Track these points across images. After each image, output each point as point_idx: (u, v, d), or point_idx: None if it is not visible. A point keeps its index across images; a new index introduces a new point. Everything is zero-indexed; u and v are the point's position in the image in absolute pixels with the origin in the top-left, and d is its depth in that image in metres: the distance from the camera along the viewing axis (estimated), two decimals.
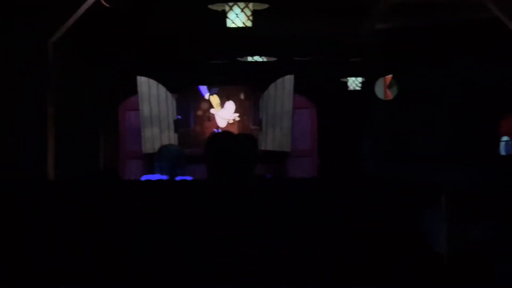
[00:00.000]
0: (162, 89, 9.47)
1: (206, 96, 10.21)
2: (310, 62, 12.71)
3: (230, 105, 10.21)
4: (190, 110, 10.19)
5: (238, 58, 12.09)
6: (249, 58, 11.95)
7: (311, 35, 11.96)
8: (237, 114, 10.16)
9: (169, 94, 9.66)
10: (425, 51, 12.49)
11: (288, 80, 9.63)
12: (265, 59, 11.97)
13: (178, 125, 9.80)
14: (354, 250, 3.01)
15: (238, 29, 9.18)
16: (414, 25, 12.39)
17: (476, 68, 12.14)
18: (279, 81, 9.69)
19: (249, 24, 8.97)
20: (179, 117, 10.02)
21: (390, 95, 12.21)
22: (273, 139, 9.66)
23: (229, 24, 8.84)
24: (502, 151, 8.47)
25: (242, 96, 10.37)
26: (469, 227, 7.91)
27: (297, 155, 9.74)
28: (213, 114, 10.21)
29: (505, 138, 8.49)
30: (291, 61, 12.40)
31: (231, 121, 10.11)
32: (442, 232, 7.91)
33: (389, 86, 12.19)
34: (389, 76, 12.14)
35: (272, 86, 9.78)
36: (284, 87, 9.80)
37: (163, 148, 6.87)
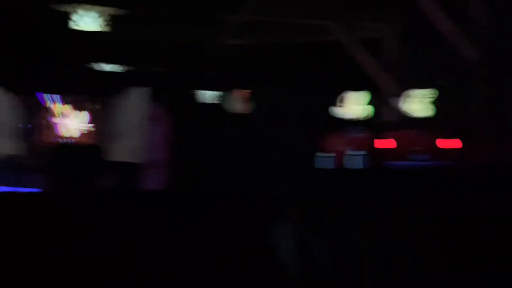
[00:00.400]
0: (4, 97, 9.20)
1: (53, 104, 9.95)
2: (167, 73, 12.86)
3: (81, 115, 10.05)
4: (36, 119, 9.89)
5: (93, 67, 11.90)
6: (104, 67, 11.89)
7: (167, 46, 12.15)
8: (88, 124, 10.00)
9: (12, 102, 9.42)
10: (275, 67, 13.13)
11: (141, 92, 9.58)
12: (120, 69, 12.00)
13: (23, 134, 9.48)
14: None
15: (89, 33, 9.11)
16: (265, 42, 13.06)
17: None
18: (132, 92, 9.57)
19: (100, 28, 8.98)
20: (30, 126, 9.79)
21: (246, 108, 12.51)
22: (123, 149, 9.58)
23: (77, 26, 8.82)
24: (320, 165, 8.90)
25: (93, 106, 10.22)
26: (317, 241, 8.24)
27: (149, 165, 9.74)
28: (60, 123, 9.94)
29: (326, 154, 8.94)
30: (146, 71, 12.47)
31: (81, 131, 9.81)
32: (291, 245, 7.99)
33: (245, 100, 12.53)
34: (245, 90, 12.50)
35: (124, 97, 9.77)
36: (136, 99, 9.89)
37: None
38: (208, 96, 13.57)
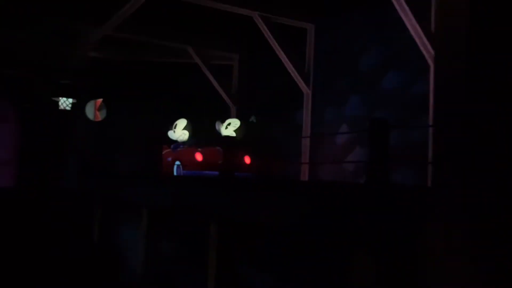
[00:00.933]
0: None
1: None
2: (22, 78, 13.19)
3: None
4: None
5: None
6: None
7: (25, 51, 12.47)
8: None
9: None
10: (129, 83, 13.95)
11: None
12: None
13: None
14: None
15: None
16: (121, 58, 13.79)
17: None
18: None
19: None
20: None
21: (99, 116, 13.02)
22: None
23: None
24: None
25: None
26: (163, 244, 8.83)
27: None
28: None
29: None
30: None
31: None
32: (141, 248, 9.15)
33: (99, 109, 13.03)
34: (100, 100, 12.99)
35: None
36: None
37: None
38: (65, 103, 13.99)
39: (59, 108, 14.15)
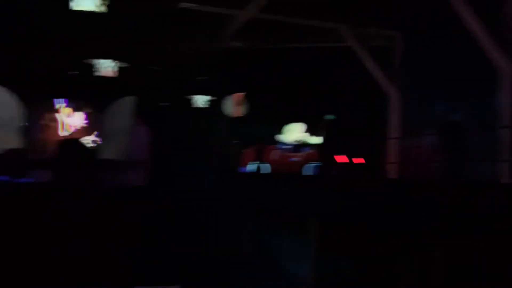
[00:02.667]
0: (9, 97, 10.23)
1: (57, 106, 11.55)
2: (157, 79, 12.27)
3: (79, 116, 11.69)
4: (39, 118, 11.30)
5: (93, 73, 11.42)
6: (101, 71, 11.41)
7: (162, 46, 11.19)
8: (85, 124, 11.61)
9: (16, 102, 10.36)
10: (270, 74, 12.47)
11: (128, 100, 10.66)
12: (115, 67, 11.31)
13: (25, 131, 10.44)
14: None
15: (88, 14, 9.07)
16: (262, 45, 12.06)
17: None
18: (121, 100, 10.74)
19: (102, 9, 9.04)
20: (27, 124, 10.58)
21: (240, 112, 11.85)
22: (111, 149, 10.46)
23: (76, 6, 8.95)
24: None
25: (90, 109, 11.66)
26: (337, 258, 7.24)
27: (134, 164, 10.38)
28: (60, 124, 11.66)
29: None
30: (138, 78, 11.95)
31: (78, 130, 11.55)
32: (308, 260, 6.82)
33: (239, 104, 11.77)
34: (240, 94, 11.73)
35: (115, 103, 10.83)
36: (125, 106, 10.89)
37: (7, 151, 7.11)
38: (198, 100, 12.66)
39: (195, 106, 12.88)
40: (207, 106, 12.57)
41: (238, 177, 10.24)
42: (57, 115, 11.68)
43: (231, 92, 11.70)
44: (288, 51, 12.48)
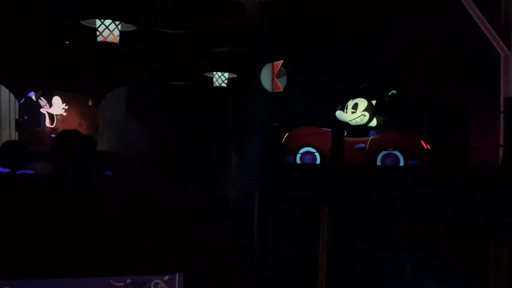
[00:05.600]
0: (5, 91, 10.52)
1: (52, 100, 11.86)
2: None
3: (74, 109, 11.84)
4: (34, 112, 11.70)
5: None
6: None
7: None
8: (80, 117, 11.71)
9: (12, 96, 10.63)
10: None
11: (122, 91, 10.71)
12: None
13: (21, 125, 10.98)
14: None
15: None
16: None
17: None
18: (115, 90, 10.71)
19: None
20: (26, 117, 11.27)
21: (279, 86, 9.41)
22: (108, 140, 10.65)
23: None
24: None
25: (86, 102, 11.79)
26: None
27: (132, 155, 10.71)
28: (55, 116, 11.84)
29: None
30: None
31: (75, 123, 11.50)
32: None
33: (278, 75, 9.32)
34: (279, 63, 9.34)
35: (109, 94, 10.75)
36: (119, 96, 10.90)
37: (6, 144, 7.22)
38: (217, 78, 11.07)
39: (214, 85, 11.40)
40: (225, 85, 11.08)
41: (287, 169, 8.18)
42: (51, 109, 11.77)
43: (268, 61, 9.49)
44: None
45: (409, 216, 4.92)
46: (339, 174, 6.06)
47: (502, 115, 7.06)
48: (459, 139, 8.50)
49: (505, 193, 3.82)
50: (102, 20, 7.96)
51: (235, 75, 10.98)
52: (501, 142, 6.92)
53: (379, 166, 7.41)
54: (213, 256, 9.33)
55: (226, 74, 10.90)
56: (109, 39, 7.99)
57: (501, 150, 7.05)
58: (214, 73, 10.91)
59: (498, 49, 7.10)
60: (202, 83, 11.09)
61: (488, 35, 7.08)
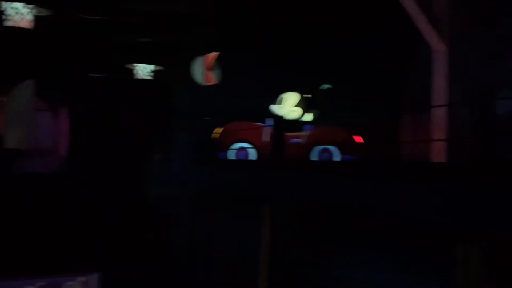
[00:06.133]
0: None
1: None
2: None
3: None
4: None
5: None
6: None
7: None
8: None
9: None
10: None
11: (28, 85, 9.69)
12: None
13: None
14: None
15: None
16: None
17: None
18: (22, 84, 9.82)
19: None
20: None
21: (213, 78, 8.58)
22: (14, 137, 9.84)
23: None
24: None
25: None
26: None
27: (41, 152, 9.86)
28: None
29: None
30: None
31: None
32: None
33: (211, 68, 8.53)
34: (213, 55, 8.68)
35: (16, 88, 9.90)
36: (26, 91, 9.95)
37: None
38: (141, 70, 10.45)
39: (136, 77, 10.77)
40: (154, 76, 10.50)
41: (225, 166, 7.78)
42: None
43: (200, 54, 8.94)
44: None
45: (358, 213, 4.74)
46: (282, 170, 5.80)
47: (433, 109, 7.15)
48: (391, 133, 8.52)
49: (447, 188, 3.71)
50: (10, 3, 7.19)
51: (161, 67, 10.45)
52: (441, 135, 6.99)
53: (323, 161, 7.24)
54: (133, 257, 8.79)
55: (151, 66, 10.34)
56: (22, 25, 7.27)
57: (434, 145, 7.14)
58: (138, 64, 10.33)
59: (431, 44, 7.12)
60: (126, 75, 10.45)
61: (422, 30, 7.09)
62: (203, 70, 8.43)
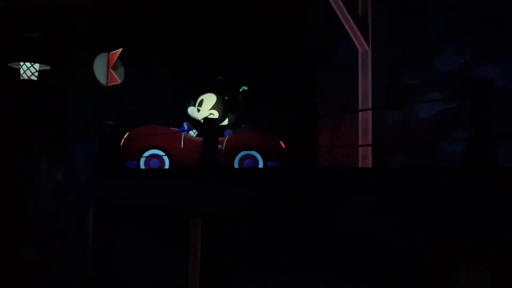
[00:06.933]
0: None
1: None
2: None
3: None
4: None
5: None
6: None
7: None
8: None
9: None
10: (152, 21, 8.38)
11: None
12: None
13: None
14: None
15: None
16: None
17: None
18: None
19: None
20: None
21: (116, 78, 7.55)
22: None
23: None
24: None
25: None
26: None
27: None
28: None
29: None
30: None
31: None
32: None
33: (114, 67, 7.55)
34: (116, 52, 7.91)
35: None
36: None
37: None
38: (30, 70, 9.22)
39: (21, 78, 9.48)
40: (36, 79, 9.30)
41: (131, 176, 6.83)
42: None
43: (101, 50, 7.98)
44: None
45: (312, 226, 4.23)
46: (212, 179, 5.15)
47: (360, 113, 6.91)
48: (310, 138, 8.20)
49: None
50: None
51: (47, 67, 9.27)
52: (360, 141, 6.76)
53: (248, 168, 6.64)
54: (11, 275, 7.72)
55: (37, 66, 9.13)
56: None
57: (360, 150, 6.90)
58: (22, 63, 9.07)
59: (357, 44, 6.88)
60: (8, 75, 9.16)
61: (348, 29, 6.82)
62: (106, 69, 7.53)
